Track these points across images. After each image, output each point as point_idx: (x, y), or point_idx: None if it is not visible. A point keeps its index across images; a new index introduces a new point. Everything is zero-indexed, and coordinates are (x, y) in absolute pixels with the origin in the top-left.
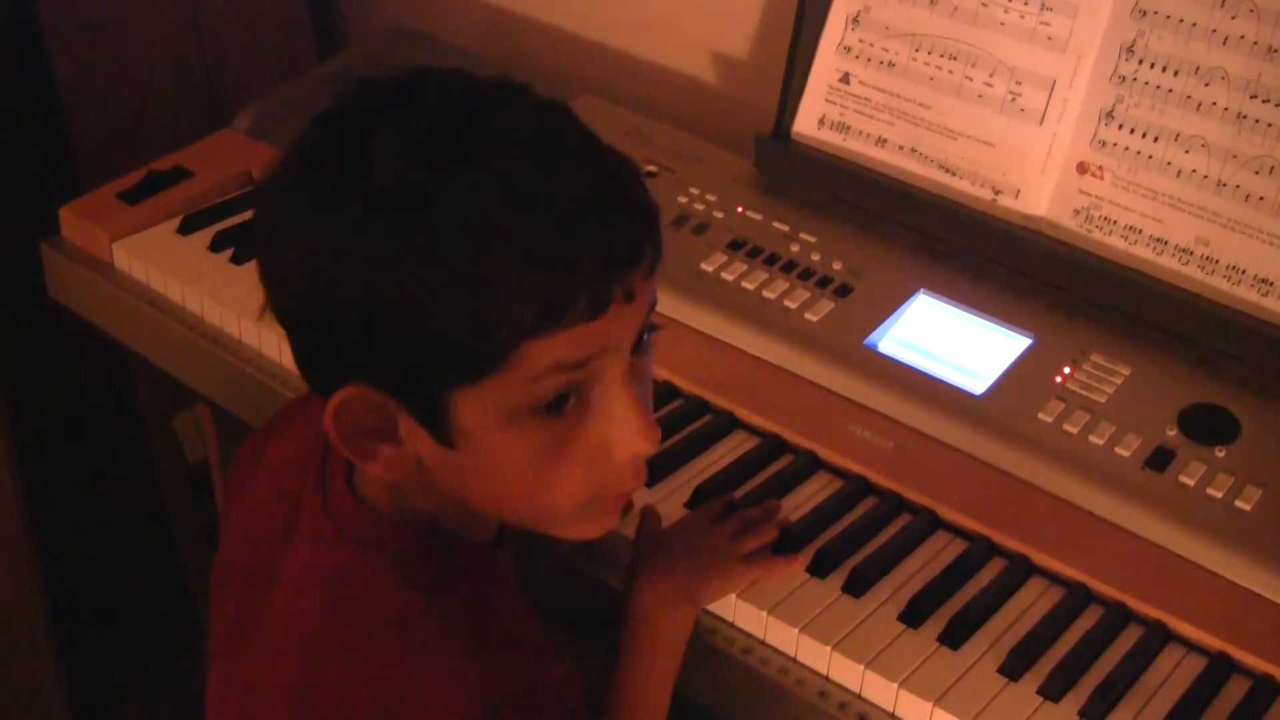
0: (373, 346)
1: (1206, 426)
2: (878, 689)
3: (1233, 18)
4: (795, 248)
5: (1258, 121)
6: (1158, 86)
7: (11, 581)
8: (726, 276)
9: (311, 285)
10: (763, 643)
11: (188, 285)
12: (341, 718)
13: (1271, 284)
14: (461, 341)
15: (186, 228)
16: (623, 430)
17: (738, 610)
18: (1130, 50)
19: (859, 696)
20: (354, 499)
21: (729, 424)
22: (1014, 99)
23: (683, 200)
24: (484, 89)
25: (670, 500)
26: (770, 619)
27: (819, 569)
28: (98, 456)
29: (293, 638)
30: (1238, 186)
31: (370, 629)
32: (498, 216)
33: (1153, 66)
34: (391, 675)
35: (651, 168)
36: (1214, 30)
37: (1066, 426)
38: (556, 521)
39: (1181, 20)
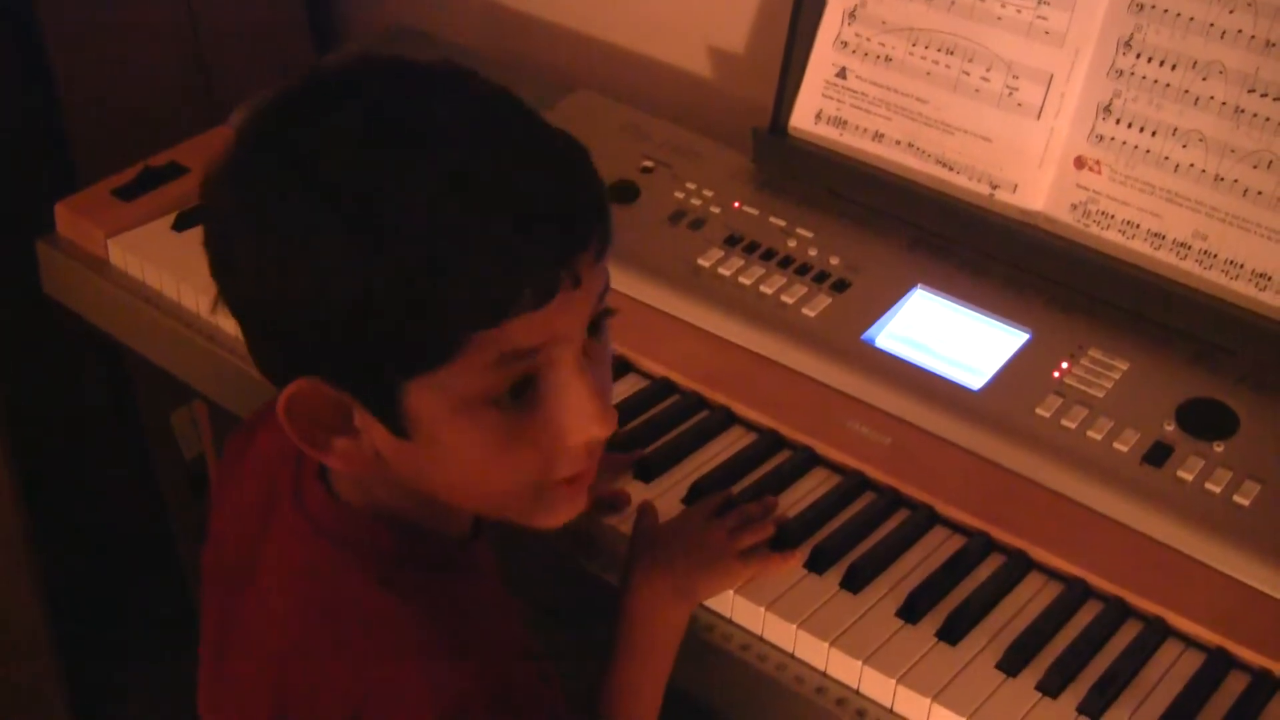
0: (323, 339)
1: (1204, 421)
2: (876, 685)
3: (1230, 12)
4: (792, 243)
5: (1255, 116)
6: (1155, 81)
7: (10, 580)
8: (723, 272)
9: (259, 278)
10: (761, 639)
11: (183, 281)
12: (313, 715)
13: (1269, 278)
14: (410, 333)
15: (181, 224)
16: (577, 418)
17: (736, 606)
18: (1128, 44)
19: (857, 693)
20: (327, 495)
21: (726, 420)
22: (1011, 93)
23: (679, 195)
24: (428, 77)
25: (668, 496)
26: (768, 615)
27: (817, 565)
28: (95, 454)
29: (269, 635)
30: (1235, 181)
31: (340, 627)
32: (443, 206)
33: (1150, 61)
34: (361, 674)
35: (648, 163)
36: (1211, 24)
37: (1064, 422)
38: (518, 510)
39: (1179, 14)
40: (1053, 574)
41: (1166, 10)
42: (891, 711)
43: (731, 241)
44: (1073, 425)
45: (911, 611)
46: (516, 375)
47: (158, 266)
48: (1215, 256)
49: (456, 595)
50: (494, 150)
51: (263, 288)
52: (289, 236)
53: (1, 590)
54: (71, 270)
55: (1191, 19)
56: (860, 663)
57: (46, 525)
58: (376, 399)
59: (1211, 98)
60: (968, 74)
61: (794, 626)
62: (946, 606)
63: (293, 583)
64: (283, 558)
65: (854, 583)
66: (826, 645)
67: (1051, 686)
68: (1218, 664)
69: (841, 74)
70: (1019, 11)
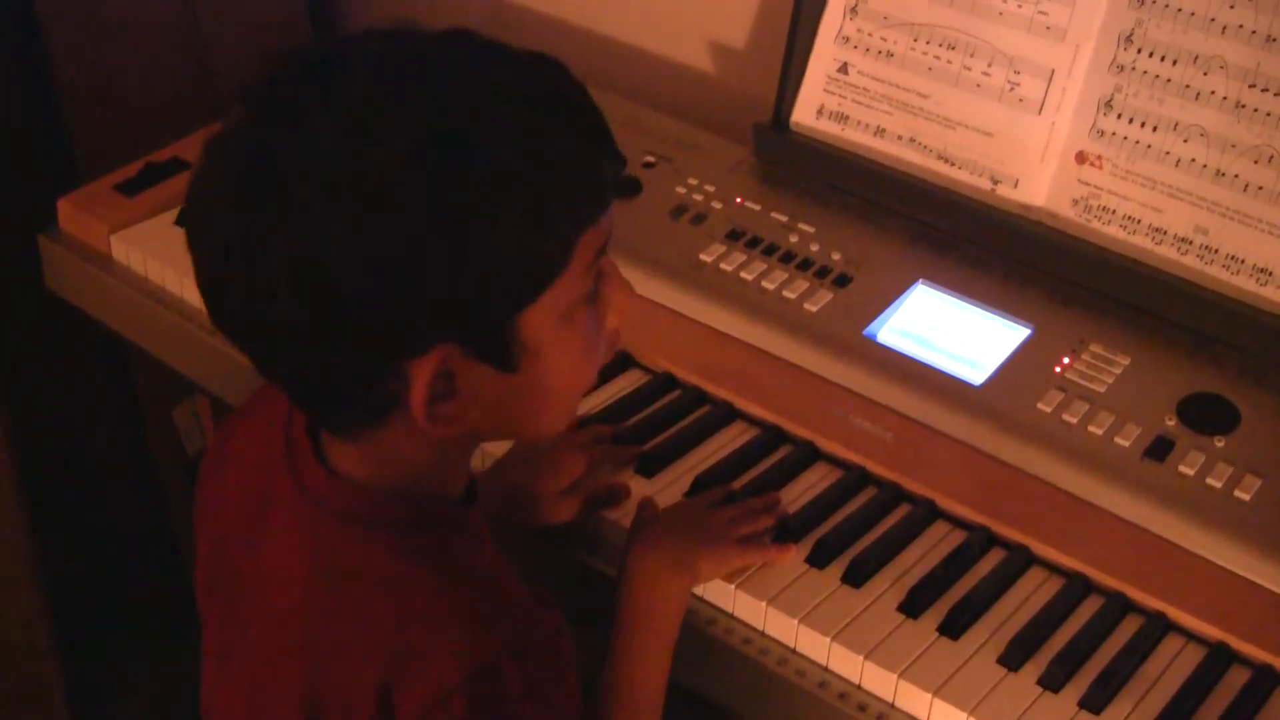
0: (448, 306)
1: (1206, 416)
2: (877, 679)
3: (1231, 6)
4: (794, 238)
5: (1256, 110)
6: (1156, 76)
7: (10, 578)
8: (725, 267)
9: (365, 277)
10: (762, 633)
11: (185, 276)
12: (347, 691)
13: (1270, 273)
14: (539, 253)
15: (184, 219)
16: (625, 298)
17: (737, 601)
18: (1129, 39)
19: (859, 687)
20: (327, 475)
21: (728, 414)
22: (1013, 88)
23: (681, 190)
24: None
25: (669, 491)
26: (770, 609)
27: (818, 559)
28: (96, 450)
29: (291, 624)
30: (1236, 176)
31: (364, 600)
32: (542, 126)
33: (1151, 55)
34: (391, 642)
35: (650, 158)
36: (1213, 19)
37: (1066, 416)
38: (572, 415)
39: (1180, 9)
40: (1054, 569)
41: (1167, 5)
42: (893, 706)
43: (733, 236)
44: (1074, 420)
45: (913, 606)
46: (595, 271)
47: (160, 262)
48: (1216, 251)
49: (467, 556)
50: (549, 73)
51: (367, 284)
52: (406, 215)
53: (1, 588)
54: (74, 265)
55: (1193, 14)
56: (862, 657)
57: (47, 522)
58: (492, 345)
59: (1212, 93)
60: (969, 69)
61: (796, 621)
62: (948, 601)
63: (308, 568)
64: (292, 546)
65: (855, 577)
66: (828, 640)
67: (1053, 681)
68: (1219, 659)
69: (843, 69)
70: (1020, 6)
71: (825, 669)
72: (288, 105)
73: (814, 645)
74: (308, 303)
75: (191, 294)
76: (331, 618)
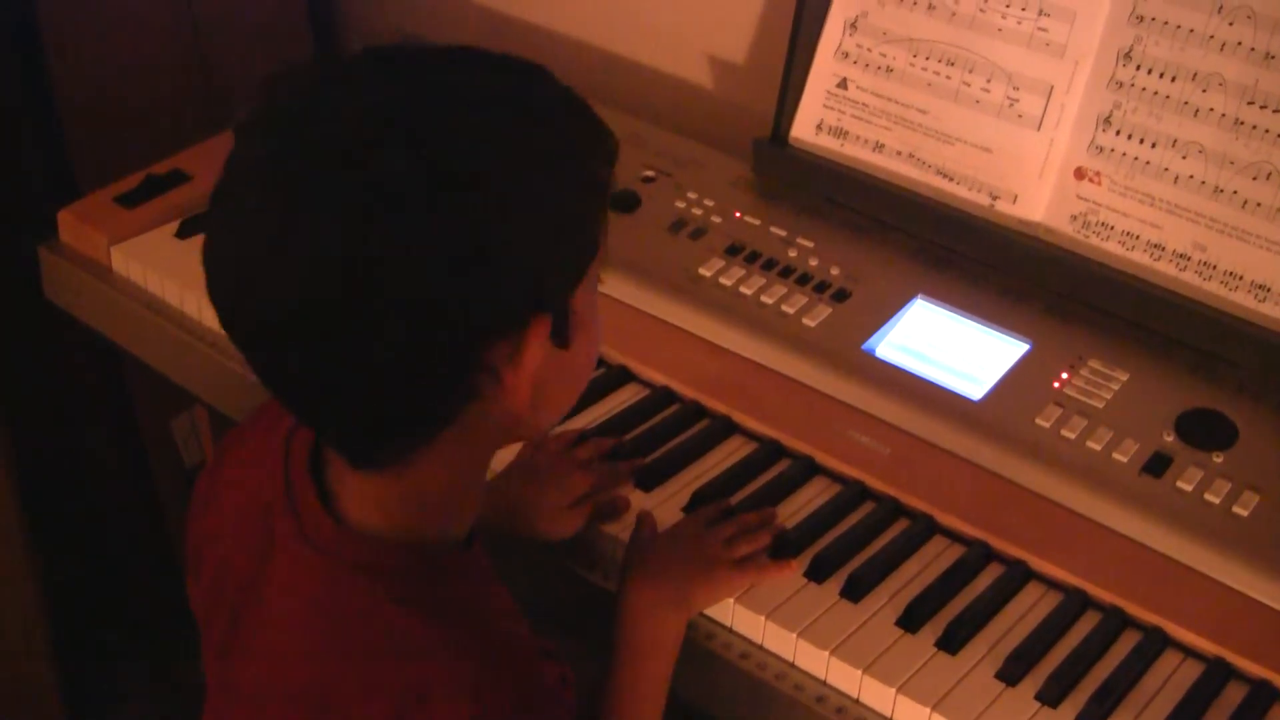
0: (538, 283)
1: (1204, 432)
2: (876, 694)
3: (1230, 24)
4: (793, 252)
5: (1254, 127)
6: (1155, 92)
7: (9, 584)
8: (724, 281)
9: (463, 262)
10: (761, 647)
11: (186, 289)
12: None
13: (1269, 289)
14: (596, 227)
15: (185, 231)
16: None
17: (736, 615)
18: (1128, 56)
19: (857, 701)
20: (334, 524)
21: (726, 429)
22: (1011, 104)
23: (680, 205)
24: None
25: (668, 505)
26: (768, 624)
27: (817, 574)
28: (94, 460)
29: (296, 668)
30: (1235, 192)
31: (370, 649)
32: (578, 118)
33: (1150, 72)
34: (396, 689)
35: (649, 172)
36: (1211, 36)
37: (1064, 432)
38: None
39: (1179, 26)
40: (1052, 584)
41: (1166, 22)
42: None
43: (732, 251)
44: (1072, 435)
45: (911, 621)
46: None
47: (160, 274)
48: (1214, 267)
49: (474, 601)
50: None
51: (473, 273)
52: (494, 196)
53: (0, 593)
54: (74, 276)
55: (1191, 31)
56: (860, 672)
57: (45, 530)
58: (561, 319)
59: (1211, 109)
60: (968, 85)
61: (794, 635)
62: (946, 616)
63: (312, 614)
64: (295, 591)
65: (854, 592)
66: (826, 654)
67: (1050, 696)
68: (1217, 674)
69: (842, 84)
70: (1019, 23)
71: (824, 683)
72: (336, 109)
73: (812, 659)
74: (427, 307)
75: (191, 306)
76: (337, 664)
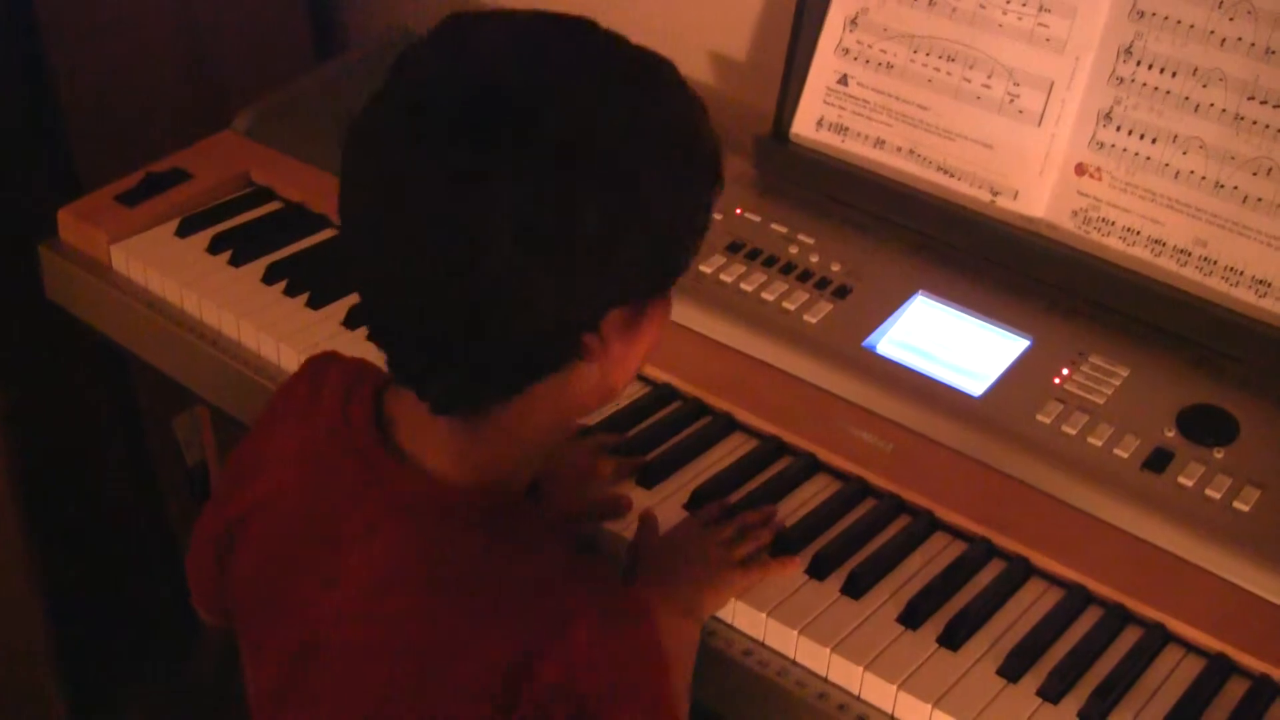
0: (668, 263)
1: (1205, 427)
2: (877, 690)
3: (1230, 19)
4: (794, 249)
5: (1255, 123)
6: (1156, 88)
7: (9, 583)
8: (725, 278)
9: (615, 227)
10: (762, 644)
11: (186, 288)
12: (468, 681)
13: (1269, 285)
14: (712, 203)
15: (185, 230)
16: None
17: (737, 612)
18: (1128, 52)
19: (858, 698)
20: (414, 472)
21: (728, 426)
22: (1012, 100)
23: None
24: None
25: (669, 503)
26: (770, 621)
27: (818, 571)
28: (97, 459)
29: (398, 628)
30: (1235, 188)
31: (480, 593)
32: (690, 105)
33: (1151, 68)
34: (516, 622)
35: None
36: (1212, 32)
37: (1065, 428)
38: None
39: (1179, 22)
40: (1053, 580)
41: (1167, 17)
42: (893, 717)
43: (733, 248)
44: (1073, 431)
45: (912, 617)
46: None
47: (161, 272)
48: (1215, 263)
49: (550, 536)
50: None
51: (624, 232)
52: (643, 174)
53: (1, 594)
54: (74, 275)
55: (1192, 26)
56: (861, 668)
57: (47, 530)
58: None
59: (1212, 105)
60: (969, 81)
61: (795, 632)
62: (947, 612)
63: (411, 569)
64: (386, 550)
65: (855, 589)
66: (828, 651)
67: (1052, 692)
68: (1218, 670)
69: (843, 81)
70: (1020, 19)
71: (825, 680)
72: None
73: (813, 656)
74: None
75: (191, 304)
76: (445, 615)
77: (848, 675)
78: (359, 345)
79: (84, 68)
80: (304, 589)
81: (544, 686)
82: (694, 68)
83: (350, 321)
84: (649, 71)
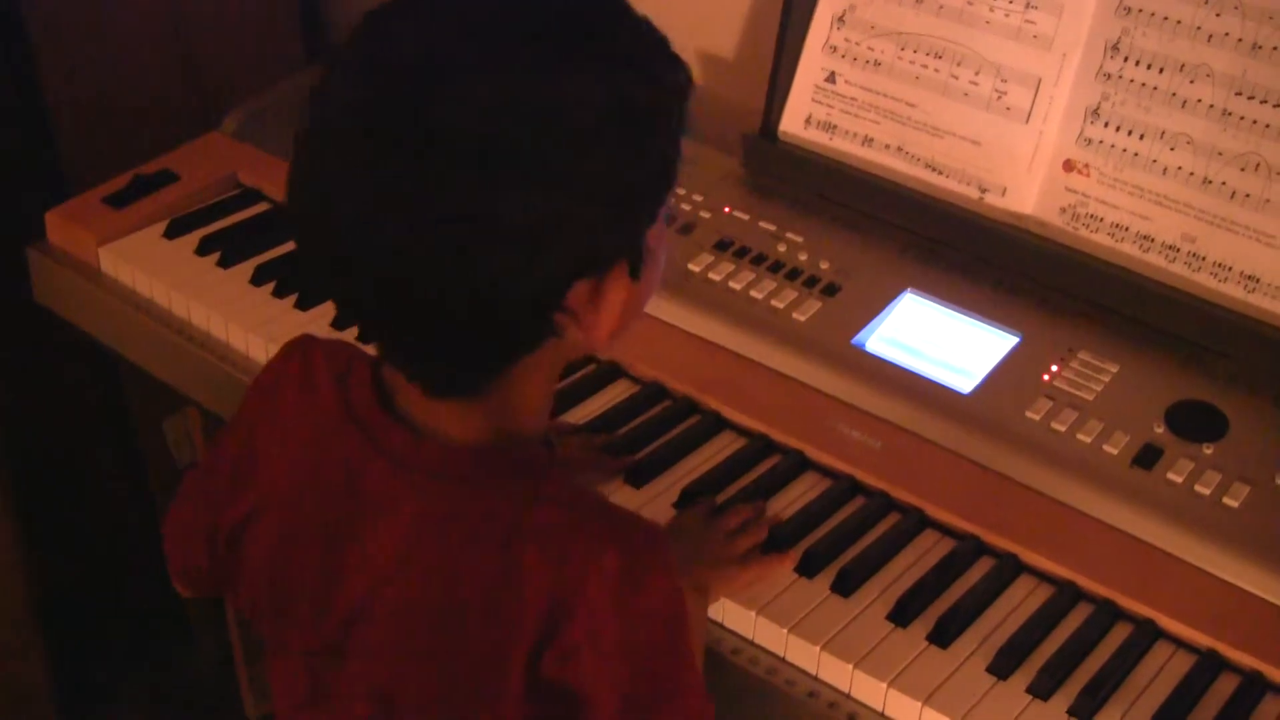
0: (625, 229)
1: (1194, 424)
2: (867, 688)
3: (1217, 15)
4: (782, 247)
5: (1243, 118)
6: (1143, 84)
7: (2, 584)
8: (713, 276)
9: (580, 188)
10: (751, 643)
11: (174, 289)
12: (505, 633)
13: (1258, 280)
14: (677, 160)
15: (173, 232)
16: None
17: (726, 610)
18: (1115, 48)
19: (848, 696)
20: (436, 444)
21: (716, 424)
22: (1000, 97)
23: (669, 201)
24: None
25: (658, 501)
26: (759, 619)
27: (807, 569)
28: (88, 459)
29: (429, 590)
30: (1224, 183)
31: (509, 548)
32: (652, 64)
33: (1138, 64)
34: (549, 571)
35: None
36: (1199, 27)
37: (1054, 425)
38: None
39: (1166, 17)
40: (1043, 577)
41: (1154, 13)
42: (883, 715)
43: (722, 246)
44: (1063, 428)
45: (902, 615)
46: None
47: (149, 274)
48: (1204, 259)
49: (570, 483)
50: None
51: (583, 190)
52: (618, 129)
53: None
54: (63, 278)
55: (1179, 22)
56: (851, 666)
57: (38, 529)
58: (639, 253)
59: (1199, 100)
60: (956, 78)
61: (785, 630)
62: (937, 610)
63: (435, 536)
64: (410, 521)
65: (845, 586)
66: (817, 649)
67: (1042, 689)
68: (1208, 666)
69: (831, 78)
70: (1007, 15)
71: (815, 678)
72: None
73: (803, 654)
74: (528, 219)
75: (179, 307)
76: (475, 572)
77: (838, 673)
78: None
79: (73, 69)
80: (333, 570)
81: (573, 633)
82: None
83: (339, 322)
84: (616, 35)
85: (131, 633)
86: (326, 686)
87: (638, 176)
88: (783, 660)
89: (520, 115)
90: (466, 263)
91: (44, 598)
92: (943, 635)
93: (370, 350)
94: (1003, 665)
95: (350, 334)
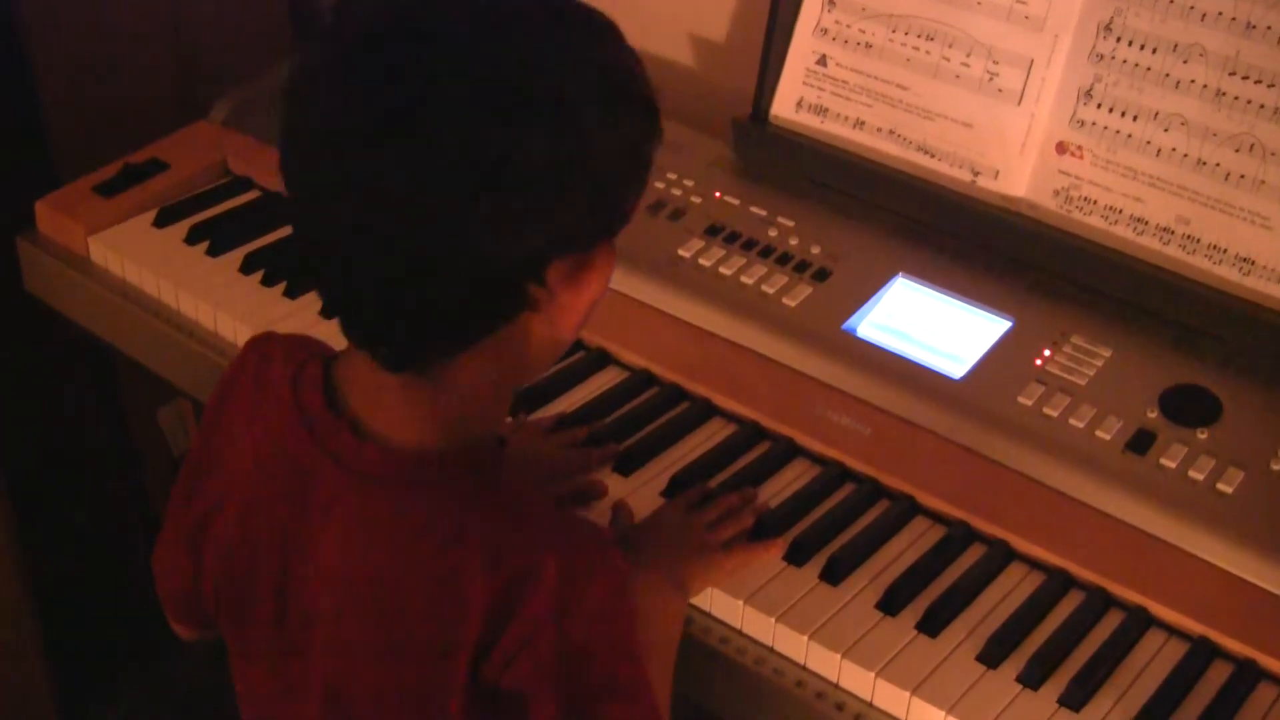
0: (615, 211)
1: (1188, 408)
2: (855, 678)
3: None
4: (773, 232)
5: (1237, 99)
6: (1136, 65)
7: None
8: (704, 262)
9: (553, 180)
10: (739, 632)
11: (163, 279)
12: (450, 632)
13: (1253, 263)
14: (653, 153)
15: (162, 220)
16: None
17: (714, 599)
18: (1108, 28)
19: (836, 686)
20: (372, 446)
21: (706, 411)
22: (991, 79)
23: (660, 186)
24: None
25: (646, 489)
26: (746, 608)
27: (796, 557)
28: (82, 452)
29: (376, 593)
30: (1218, 165)
31: (453, 548)
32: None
33: (1131, 44)
34: (486, 583)
35: None
36: (1192, 7)
37: (1046, 410)
38: None
39: None
40: (1034, 564)
41: None
42: (871, 705)
43: (712, 232)
44: (1054, 414)
45: (891, 603)
46: None
47: (138, 264)
48: (1198, 241)
49: (524, 488)
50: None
51: (555, 182)
52: (588, 123)
53: None
54: (52, 268)
55: (1171, 2)
56: (839, 656)
57: (34, 524)
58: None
59: (1193, 81)
60: (948, 60)
61: (772, 620)
62: (927, 598)
63: (380, 544)
64: (358, 523)
65: (833, 575)
66: (805, 638)
67: (1032, 678)
68: (1201, 654)
69: (822, 61)
70: None
71: (803, 668)
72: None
73: (791, 644)
74: (508, 193)
75: (169, 296)
76: (417, 576)
77: (825, 663)
78: (337, 334)
79: (63, 59)
80: (289, 571)
81: (513, 638)
82: (674, 49)
83: (326, 310)
84: (590, 19)
85: (131, 632)
86: (291, 685)
87: (620, 162)
88: (770, 650)
89: (550, 65)
90: (453, 224)
91: (40, 596)
92: (932, 624)
93: (328, 348)
94: (992, 654)
95: (326, 329)
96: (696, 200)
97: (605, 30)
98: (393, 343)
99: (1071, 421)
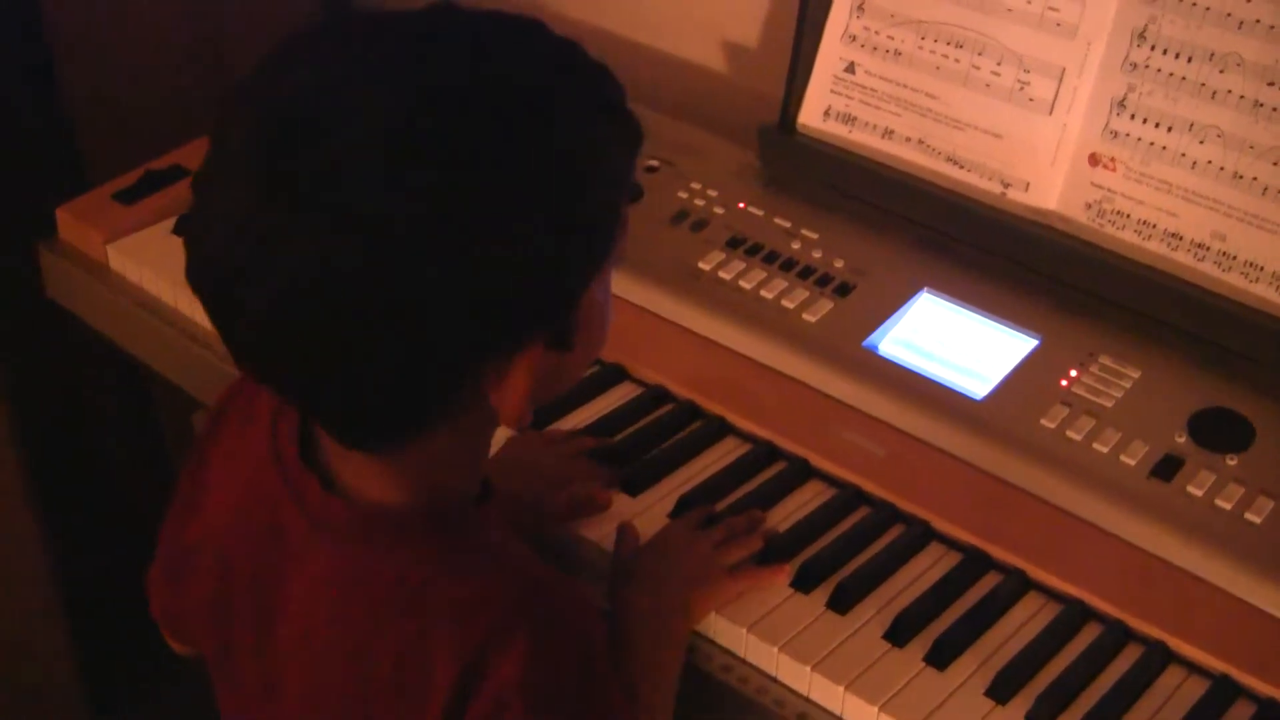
0: (538, 310)
1: (1218, 433)
2: (858, 712)
3: (1248, 0)
4: (796, 245)
5: (1275, 110)
6: (1170, 74)
7: (29, 584)
8: (723, 275)
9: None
10: (742, 660)
11: (180, 287)
12: (416, 697)
13: None
14: (615, 219)
15: (181, 228)
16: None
17: (717, 626)
18: (1142, 36)
19: (839, 719)
20: (340, 502)
21: (720, 430)
22: (1022, 88)
23: (683, 196)
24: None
25: (654, 510)
26: (750, 636)
27: (803, 583)
28: (114, 456)
29: (338, 650)
30: (1255, 178)
31: (421, 613)
32: (601, 82)
33: (1165, 53)
34: (452, 650)
35: (653, 162)
36: (1228, 14)
37: (1069, 433)
38: None
39: (1195, 4)
40: (1051, 594)
41: (1181, 0)
42: None
43: (733, 244)
44: (1078, 437)
45: (899, 634)
46: None
47: (156, 272)
48: (1234, 258)
49: (502, 548)
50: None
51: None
52: (535, 193)
53: (20, 593)
54: (72, 275)
55: (1208, 9)
56: (843, 688)
57: (64, 527)
58: (564, 328)
59: (1229, 91)
60: (978, 68)
61: (776, 649)
62: (936, 629)
63: (345, 603)
64: (324, 580)
65: (841, 603)
66: (809, 669)
67: (1041, 716)
68: (1222, 693)
69: (850, 69)
70: (1029, 3)
71: (806, 699)
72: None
73: (794, 674)
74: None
75: (184, 305)
76: (380, 643)
77: (828, 695)
78: None
79: (92, 65)
80: (266, 614)
81: (483, 704)
82: (705, 55)
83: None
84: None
85: (161, 635)
86: None
87: (564, 242)
88: (773, 679)
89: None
90: (360, 328)
91: (71, 600)
92: (941, 656)
93: None
94: (1002, 690)
95: None
96: (719, 211)
97: (537, 87)
98: (335, 434)
99: (1095, 446)
